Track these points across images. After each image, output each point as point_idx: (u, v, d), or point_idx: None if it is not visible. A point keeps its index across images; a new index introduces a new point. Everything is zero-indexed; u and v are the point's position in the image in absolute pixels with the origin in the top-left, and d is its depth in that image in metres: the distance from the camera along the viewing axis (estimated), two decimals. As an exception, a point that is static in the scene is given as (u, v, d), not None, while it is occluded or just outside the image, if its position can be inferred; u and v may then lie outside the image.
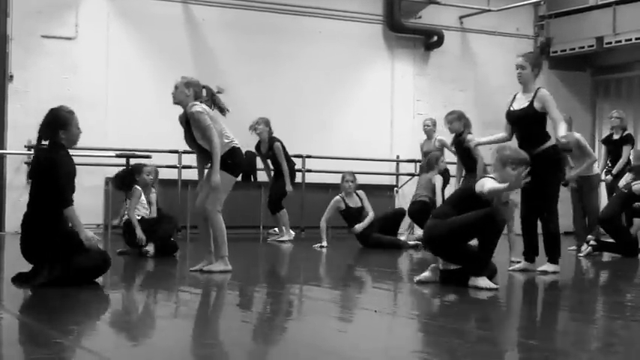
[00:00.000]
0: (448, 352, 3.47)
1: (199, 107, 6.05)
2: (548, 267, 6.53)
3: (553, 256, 6.58)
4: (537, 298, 5.74)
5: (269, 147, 10.00)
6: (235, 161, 6.18)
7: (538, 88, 6.52)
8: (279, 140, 10.04)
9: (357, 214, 9.34)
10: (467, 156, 8.43)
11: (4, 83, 10.82)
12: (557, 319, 4.60)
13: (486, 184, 5.39)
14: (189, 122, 6.11)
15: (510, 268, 6.62)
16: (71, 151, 11.70)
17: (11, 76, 10.75)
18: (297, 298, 5.37)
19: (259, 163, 11.85)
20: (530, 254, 6.65)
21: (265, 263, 8.23)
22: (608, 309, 5.05)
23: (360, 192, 9.53)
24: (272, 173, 10.22)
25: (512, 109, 6.58)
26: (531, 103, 6.42)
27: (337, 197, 9.43)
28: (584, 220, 9.18)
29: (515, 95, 6.65)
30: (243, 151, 11.67)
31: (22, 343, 3.61)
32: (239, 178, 11.94)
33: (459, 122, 8.44)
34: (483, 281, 5.32)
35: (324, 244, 9.10)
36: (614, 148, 9.95)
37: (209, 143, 6.03)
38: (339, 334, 3.99)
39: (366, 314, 4.53)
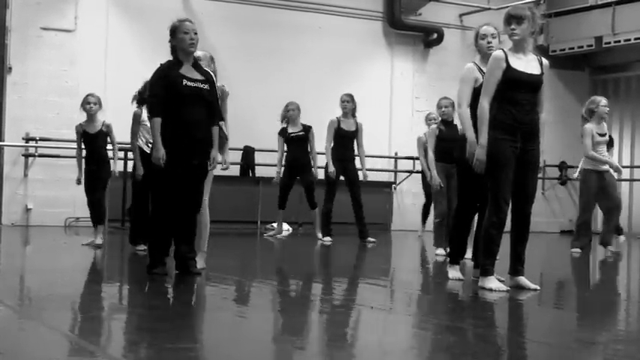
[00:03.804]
0: (444, 349, 3.48)
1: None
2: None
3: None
4: (532, 297, 5.74)
5: (303, 129, 9.69)
6: None
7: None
8: None
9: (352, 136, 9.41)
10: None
11: (2, 75, 10.80)
12: (553, 317, 4.61)
13: None
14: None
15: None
16: (67, 144, 11.62)
17: (10, 68, 10.74)
18: (293, 294, 5.37)
19: (257, 158, 11.87)
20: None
21: (262, 258, 8.24)
22: (608, 307, 5.07)
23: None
24: (283, 158, 9.78)
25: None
26: None
27: (332, 118, 9.42)
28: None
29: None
30: (242, 145, 11.86)
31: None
32: (237, 173, 12.04)
33: (453, 109, 8.24)
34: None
35: (331, 169, 9.17)
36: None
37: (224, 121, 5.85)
38: (335, 330, 4.00)
39: (362, 310, 4.53)
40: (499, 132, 5.11)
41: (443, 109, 7.99)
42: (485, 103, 5.14)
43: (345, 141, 9.38)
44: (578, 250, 8.65)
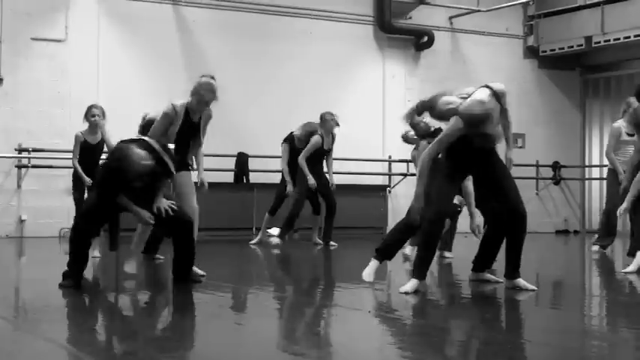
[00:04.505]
0: (442, 351, 3.48)
1: None
2: None
3: None
4: (530, 298, 5.75)
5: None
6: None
7: None
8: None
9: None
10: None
11: (-7, 86, 10.77)
12: (548, 317, 4.61)
13: None
14: (197, 124, 5.90)
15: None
16: (60, 154, 11.59)
17: (1, 80, 10.71)
18: (290, 300, 5.36)
19: (252, 164, 11.86)
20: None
21: (257, 265, 8.23)
22: (607, 307, 5.07)
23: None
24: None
25: None
26: None
27: (317, 136, 9.35)
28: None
29: None
30: (236, 152, 11.85)
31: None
32: (231, 180, 12.03)
33: None
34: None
35: (312, 181, 9.20)
36: None
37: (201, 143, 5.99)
38: (333, 335, 3.99)
39: (360, 315, 4.52)
40: (449, 161, 5.14)
41: None
42: (431, 158, 5.08)
43: (321, 158, 9.44)
44: (598, 248, 8.62)
